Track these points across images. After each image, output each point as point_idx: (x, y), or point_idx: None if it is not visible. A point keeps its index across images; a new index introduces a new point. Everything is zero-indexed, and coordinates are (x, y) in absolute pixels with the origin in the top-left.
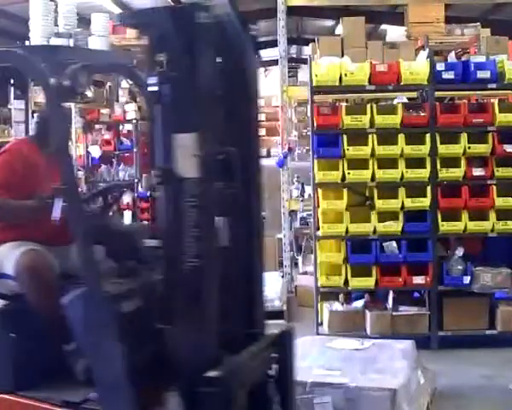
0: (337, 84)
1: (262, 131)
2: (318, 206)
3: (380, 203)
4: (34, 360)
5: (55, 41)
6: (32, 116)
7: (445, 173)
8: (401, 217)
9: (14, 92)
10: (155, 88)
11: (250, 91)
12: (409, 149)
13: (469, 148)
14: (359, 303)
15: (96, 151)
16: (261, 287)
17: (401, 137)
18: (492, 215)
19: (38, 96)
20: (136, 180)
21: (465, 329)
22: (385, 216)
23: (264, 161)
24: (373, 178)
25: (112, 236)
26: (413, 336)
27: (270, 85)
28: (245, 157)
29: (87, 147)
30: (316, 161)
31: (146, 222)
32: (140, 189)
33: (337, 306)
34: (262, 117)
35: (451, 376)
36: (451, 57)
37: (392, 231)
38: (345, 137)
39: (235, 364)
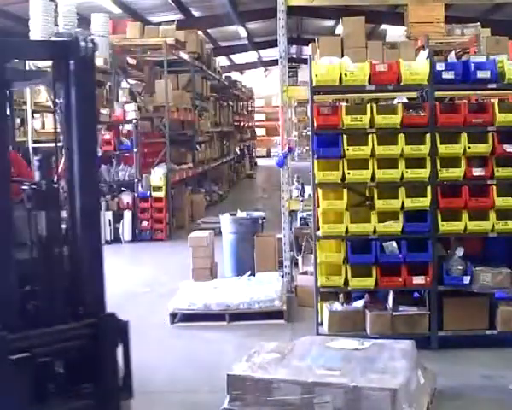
0: (337, 84)
1: (262, 131)
2: (318, 206)
3: (380, 203)
4: None
5: None
6: (32, 116)
7: (445, 173)
8: (401, 217)
9: None
10: None
11: (75, 97)
12: (409, 149)
13: (469, 148)
14: (359, 303)
15: None
16: (94, 274)
17: (401, 137)
18: (492, 215)
19: (38, 96)
20: (136, 180)
21: (465, 329)
22: (385, 216)
23: (264, 161)
24: (373, 178)
25: None
26: (413, 336)
27: (270, 85)
28: (72, 156)
29: None
30: (316, 161)
31: None
32: (140, 189)
33: (337, 306)
34: (262, 117)
35: (451, 376)
36: (451, 57)
37: (392, 231)
38: (345, 137)
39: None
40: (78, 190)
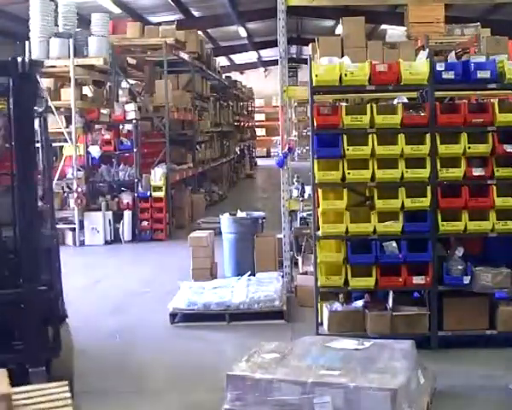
0: (337, 84)
1: (262, 131)
2: (318, 206)
3: (380, 203)
4: None
5: (54, 41)
6: None
7: (445, 173)
8: (401, 217)
9: None
10: None
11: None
12: (409, 149)
13: (469, 148)
14: (359, 303)
15: (95, 151)
16: (28, 255)
17: (401, 137)
18: (492, 215)
19: None
20: (136, 180)
21: (465, 329)
22: (385, 216)
23: (264, 161)
24: (373, 178)
25: None
26: (413, 336)
27: (270, 85)
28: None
29: (87, 147)
30: (316, 161)
31: None
32: (140, 189)
33: (337, 306)
34: (262, 117)
35: (451, 376)
36: (451, 57)
37: (392, 231)
38: (345, 137)
39: None
40: (17, 182)
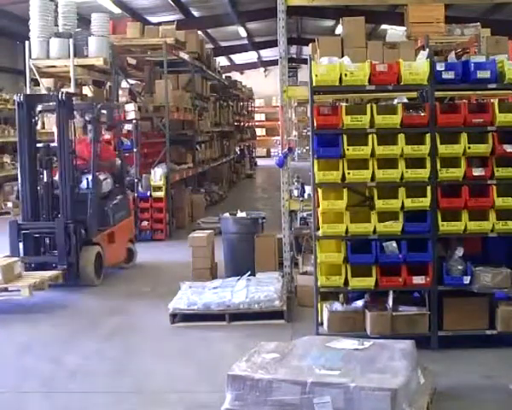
0: (337, 84)
1: (262, 131)
2: (318, 206)
3: (380, 203)
4: None
5: (54, 41)
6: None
7: (445, 173)
8: (401, 217)
9: None
10: None
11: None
12: (409, 149)
13: (469, 148)
14: (359, 303)
15: None
16: (72, 201)
17: (401, 137)
18: (492, 215)
19: None
20: (136, 180)
21: (465, 329)
22: (385, 216)
23: (264, 161)
24: (373, 178)
25: None
26: (413, 336)
27: (270, 85)
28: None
29: None
30: (316, 161)
31: None
32: (140, 189)
33: (337, 306)
34: (262, 117)
35: (451, 376)
36: (451, 57)
37: (392, 231)
38: (345, 137)
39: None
40: (59, 160)
